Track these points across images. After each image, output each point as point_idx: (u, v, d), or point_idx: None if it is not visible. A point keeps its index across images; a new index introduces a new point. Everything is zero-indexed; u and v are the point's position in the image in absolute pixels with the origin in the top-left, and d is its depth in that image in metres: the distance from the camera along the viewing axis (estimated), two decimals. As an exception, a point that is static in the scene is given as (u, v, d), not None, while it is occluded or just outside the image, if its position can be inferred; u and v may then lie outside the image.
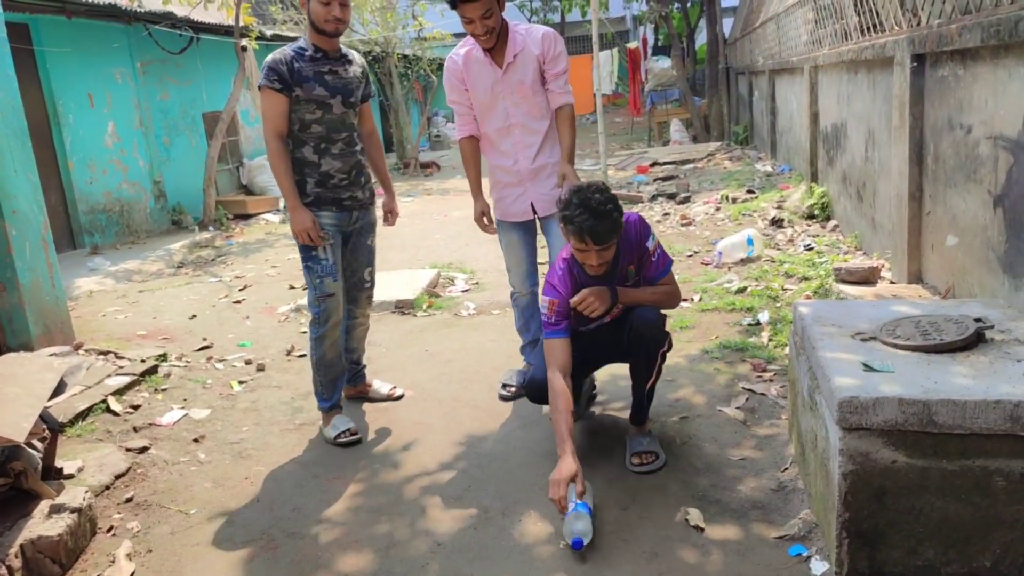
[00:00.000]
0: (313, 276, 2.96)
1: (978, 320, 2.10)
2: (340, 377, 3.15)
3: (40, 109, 7.04)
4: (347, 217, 3.04)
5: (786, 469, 2.52)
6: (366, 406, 3.37)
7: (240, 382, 3.73)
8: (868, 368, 1.94)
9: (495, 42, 2.93)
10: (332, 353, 3.07)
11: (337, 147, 2.95)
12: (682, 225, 6.68)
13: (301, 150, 2.92)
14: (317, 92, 2.86)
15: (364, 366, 3.46)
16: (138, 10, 7.61)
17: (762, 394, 3.12)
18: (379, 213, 3.32)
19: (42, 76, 7.14)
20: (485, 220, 3.22)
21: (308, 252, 2.94)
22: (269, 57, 2.86)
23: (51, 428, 2.62)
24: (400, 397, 3.44)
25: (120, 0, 7.19)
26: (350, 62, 3.02)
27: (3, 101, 3.85)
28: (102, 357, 3.95)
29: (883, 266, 4.12)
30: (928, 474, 1.80)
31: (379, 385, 3.47)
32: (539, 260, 3.38)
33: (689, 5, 17.23)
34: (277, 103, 2.83)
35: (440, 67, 16.02)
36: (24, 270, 3.89)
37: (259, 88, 2.89)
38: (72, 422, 3.19)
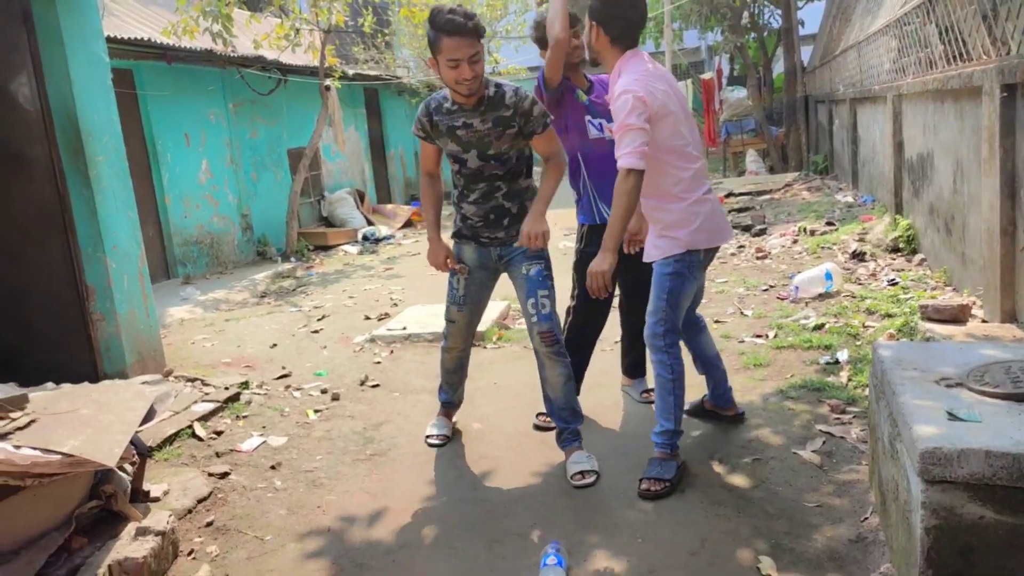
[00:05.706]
0: (446, 299, 3.22)
1: (1076, 367, 1.98)
2: (455, 384, 3.40)
3: (141, 148, 7.55)
4: (486, 254, 3.10)
5: (866, 519, 2.41)
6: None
7: (316, 411, 3.85)
8: (953, 417, 1.85)
9: None
10: (451, 364, 3.33)
11: (473, 195, 3.04)
12: (757, 258, 6.53)
13: (457, 189, 3.14)
14: (450, 148, 2.99)
15: (572, 427, 3.01)
16: (232, 55, 8.09)
17: (841, 437, 3.00)
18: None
19: (143, 118, 7.66)
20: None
21: (449, 278, 3.20)
22: (424, 103, 3.04)
23: (140, 453, 2.77)
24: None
25: (215, 46, 7.67)
26: (494, 108, 2.84)
27: (108, 145, 4.15)
28: (189, 384, 4.15)
29: (974, 303, 3.91)
30: (1019, 532, 1.69)
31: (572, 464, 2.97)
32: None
33: (766, 34, 17.01)
34: (424, 147, 3.09)
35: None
36: (122, 301, 4.15)
37: None
38: (160, 447, 3.36)
